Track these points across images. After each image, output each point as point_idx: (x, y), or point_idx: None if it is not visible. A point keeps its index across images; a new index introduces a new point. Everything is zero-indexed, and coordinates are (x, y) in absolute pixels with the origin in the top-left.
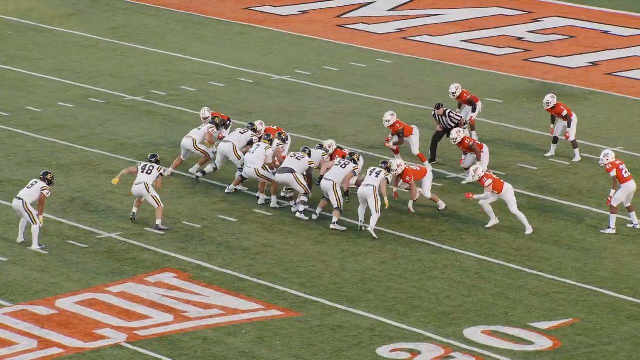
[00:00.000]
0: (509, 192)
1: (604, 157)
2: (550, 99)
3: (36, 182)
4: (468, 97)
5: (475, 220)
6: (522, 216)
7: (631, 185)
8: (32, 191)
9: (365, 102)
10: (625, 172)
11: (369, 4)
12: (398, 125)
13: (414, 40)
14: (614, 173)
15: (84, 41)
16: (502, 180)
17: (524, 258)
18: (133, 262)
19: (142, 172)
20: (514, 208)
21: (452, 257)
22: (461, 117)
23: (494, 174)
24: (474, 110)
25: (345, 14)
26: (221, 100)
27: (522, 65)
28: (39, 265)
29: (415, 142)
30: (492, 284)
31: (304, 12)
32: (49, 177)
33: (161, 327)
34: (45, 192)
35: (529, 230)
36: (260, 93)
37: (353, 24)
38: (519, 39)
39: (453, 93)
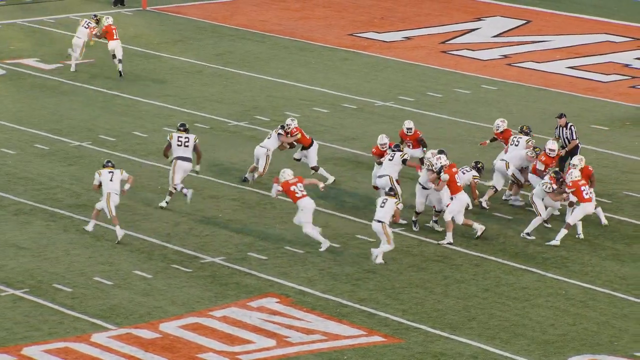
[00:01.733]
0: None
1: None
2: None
3: (112, 172)
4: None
5: (579, 248)
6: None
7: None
8: (115, 184)
9: (469, 129)
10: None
11: (474, 30)
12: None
13: (519, 67)
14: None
15: (189, 67)
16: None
17: (630, 287)
18: (236, 286)
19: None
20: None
21: (556, 285)
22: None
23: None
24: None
25: (449, 40)
26: (324, 125)
27: (628, 92)
28: (144, 288)
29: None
30: (597, 313)
31: (408, 38)
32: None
33: (263, 352)
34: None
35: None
36: (364, 119)
37: (457, 50)
38: (626, 65)
39: (497, 126)
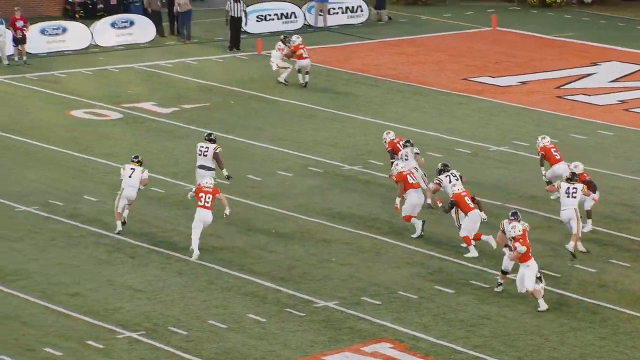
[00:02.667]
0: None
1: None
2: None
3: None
4: (587, 177)
5: None
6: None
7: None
8: (134, 180)
9: None
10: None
11: (590, 75)
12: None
13: (636, 112)
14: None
15: (304, 111)
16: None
17: None
18: (350, 331)
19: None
20: None
21: None
22: None
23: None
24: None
25: (565, 85)
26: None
27: None
28: (258, 332)
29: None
30: None
31: (523, 83)
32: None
33: None
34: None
35: None
36: (478, 164)
37: (573, 95)
38: None
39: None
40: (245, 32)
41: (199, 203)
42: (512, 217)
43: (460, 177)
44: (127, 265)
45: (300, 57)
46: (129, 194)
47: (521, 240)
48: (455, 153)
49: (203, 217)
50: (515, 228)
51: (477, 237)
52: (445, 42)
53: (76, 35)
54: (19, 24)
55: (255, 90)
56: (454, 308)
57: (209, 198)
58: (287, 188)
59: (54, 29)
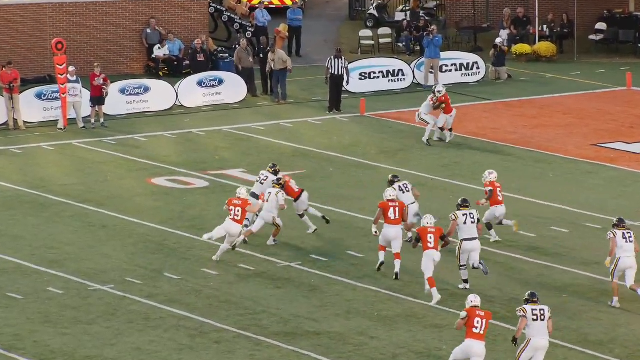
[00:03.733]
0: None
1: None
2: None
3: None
4: None
5: None
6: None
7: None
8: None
9: None
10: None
11: None
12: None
13: None
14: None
15: (411, 179)
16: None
17: None
18: None
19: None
20: None
21: None
22: None
23: None
24: None
25: None
26: (564, 247)
27: None
28: None
29: None
30: None
31: None
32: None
33: None
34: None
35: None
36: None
37: None
38: None
39: None
40: (347, 92)
41: (229, 216)
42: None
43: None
44: (212, 351)
45: (448, 109)
46: (266, 218)
47: None
48: (582, 228)
49: (229, 228)
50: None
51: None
52: (572, 103)
53: (159, 94)
54: (98, 81)
55: (357, 157)
56: None
57: (238, 211)
58: (392, 266)
59: (135, 87)
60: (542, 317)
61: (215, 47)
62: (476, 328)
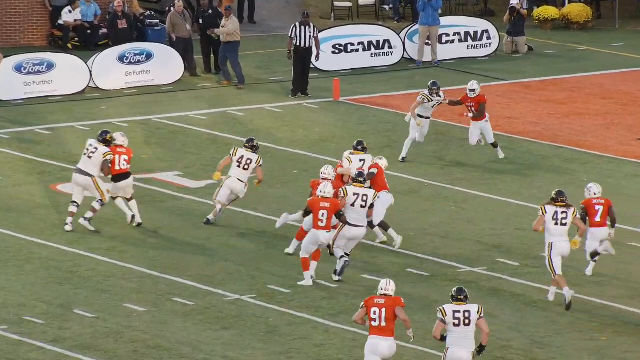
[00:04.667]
0: None
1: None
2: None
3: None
4: None
5: None
6: None
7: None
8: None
9: None
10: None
11: None
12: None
13: None
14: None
15: (402, 185)
16: None
17: None
18: None
19: (239, 166)
20: None
21: None
22: None
23: None
24: None
25: None
26: (601, 275)
27: None
28: None
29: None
30: None
31: None
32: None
33: None
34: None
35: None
36: None
37: None
38: None
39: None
40: (316, 70)
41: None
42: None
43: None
44: None
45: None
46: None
47: None
48: (627, 249)
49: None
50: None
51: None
52: (613, 85)
53: (67, 73)
54: None
55: (330, 155)
56: None
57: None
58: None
59: (35, 64)
60: (467, 322)
61: (142, 10)
62: (374, 321)
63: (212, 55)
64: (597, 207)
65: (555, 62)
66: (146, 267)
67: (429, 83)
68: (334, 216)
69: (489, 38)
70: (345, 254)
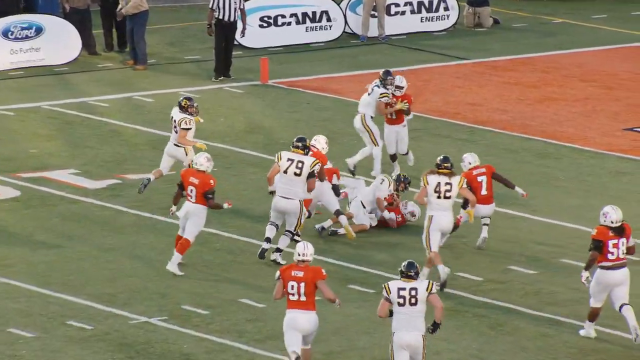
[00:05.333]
0: None
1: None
2: None
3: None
4: None
5: None
6: None
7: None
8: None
9: None
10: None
11: None
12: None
13: None
14: None
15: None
16: None
17: None
18: None
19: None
20: None
21: None
22: None
23: None
24: None
25: None
26: (584, 293)
27: None
28: None
29: None
30: None
31: None
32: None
33: None
34: None
35: None
36: None
37: None
38: None
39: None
40: (242, 47)
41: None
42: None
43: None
44: None
45: (401, 116)
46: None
47: None
48: None
49: None
50: None
51: None
52: (595, 64)
53: None
54: None
55: (258, 149)
56: None
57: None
58: None
59: None
60: (413, 300)
61: None
62: (292, 295)
63: (114, 30)
64: (479, 179)
65: (526, 37)
66: (35, 284)
67: (382, 73)
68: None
69: (446, 9)
70: (275, 224)
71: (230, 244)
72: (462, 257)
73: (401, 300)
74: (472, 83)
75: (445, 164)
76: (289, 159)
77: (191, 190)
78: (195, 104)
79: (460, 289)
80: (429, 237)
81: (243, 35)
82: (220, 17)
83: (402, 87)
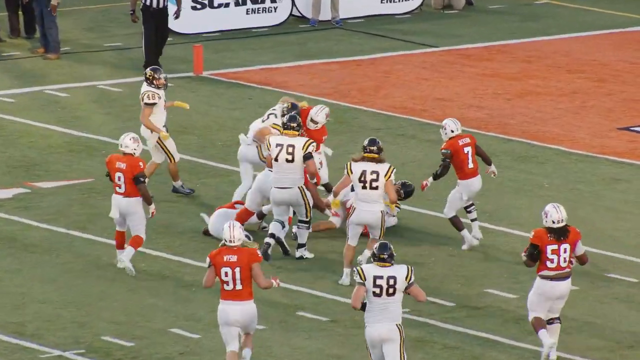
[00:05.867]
0: None
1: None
2: None
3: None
4: None
5: None
6: None
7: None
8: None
9: None
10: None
11: None
12: None
13: None
14: None
15: None
16: None
17: None
18: None
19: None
20: None
21: None
22: None
23: None
24: None
25: None
26: (572, 318)
27: None
28: None
29: None
30: None
31: None
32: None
33: None
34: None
35: None
36: None
37: None
38: None
39: None
40: (174, 33)
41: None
42: None
43: None
44: None
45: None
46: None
47: None
48: (603, 282)
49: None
50: None
51: None
52: (585, 53)
53: None
54: None
55: (191, 152)
56: None
57: None
58: None
59: None
60: (391, 290)
61: None
62: (227, 284)
63: (21, 13)
64: (466, 150)
65: (505, 21)
66: None
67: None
68: None
69: None
70: (280, 222)
71: (158, 265)
72: (431, 279)
73: (377, 290)
74: (441, 75)
75: (372, 148)
76: (277, 144)
77: (119, 178)
78: (162, 75)
79: (428, 316)
80: (348, 228)
81: (177, 18)
82: (148, 3)
83: (316, 122)
